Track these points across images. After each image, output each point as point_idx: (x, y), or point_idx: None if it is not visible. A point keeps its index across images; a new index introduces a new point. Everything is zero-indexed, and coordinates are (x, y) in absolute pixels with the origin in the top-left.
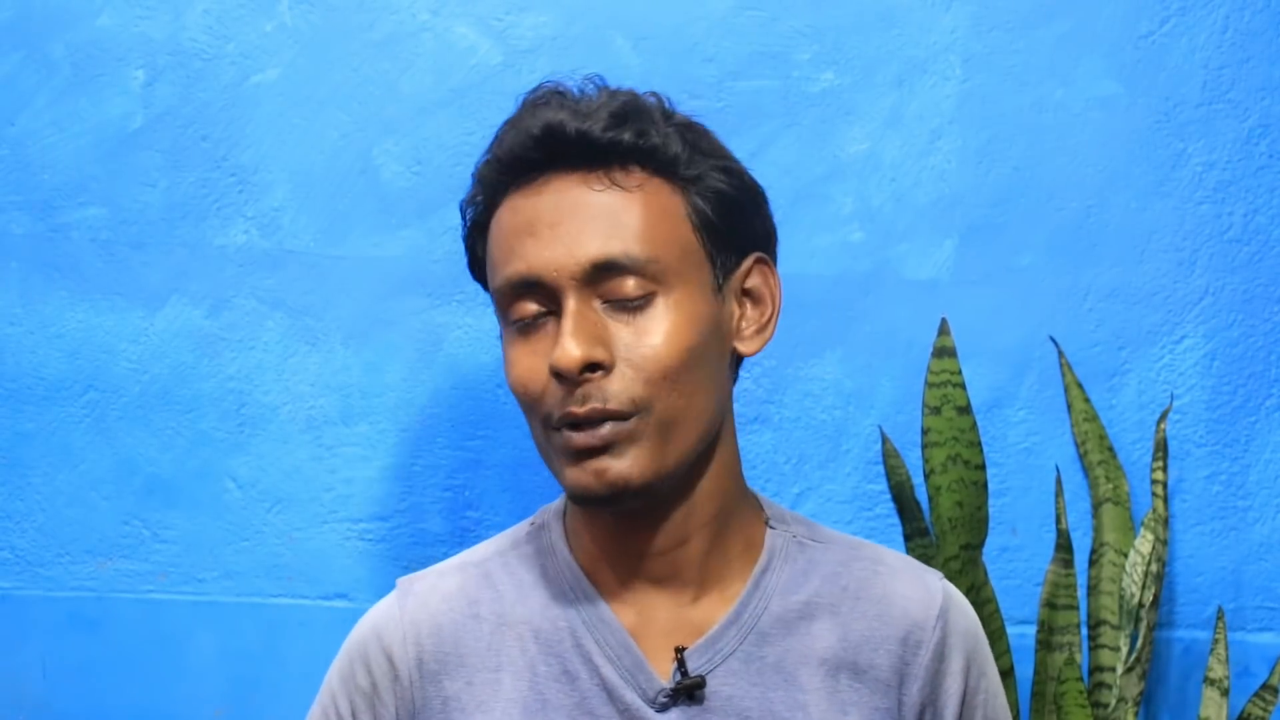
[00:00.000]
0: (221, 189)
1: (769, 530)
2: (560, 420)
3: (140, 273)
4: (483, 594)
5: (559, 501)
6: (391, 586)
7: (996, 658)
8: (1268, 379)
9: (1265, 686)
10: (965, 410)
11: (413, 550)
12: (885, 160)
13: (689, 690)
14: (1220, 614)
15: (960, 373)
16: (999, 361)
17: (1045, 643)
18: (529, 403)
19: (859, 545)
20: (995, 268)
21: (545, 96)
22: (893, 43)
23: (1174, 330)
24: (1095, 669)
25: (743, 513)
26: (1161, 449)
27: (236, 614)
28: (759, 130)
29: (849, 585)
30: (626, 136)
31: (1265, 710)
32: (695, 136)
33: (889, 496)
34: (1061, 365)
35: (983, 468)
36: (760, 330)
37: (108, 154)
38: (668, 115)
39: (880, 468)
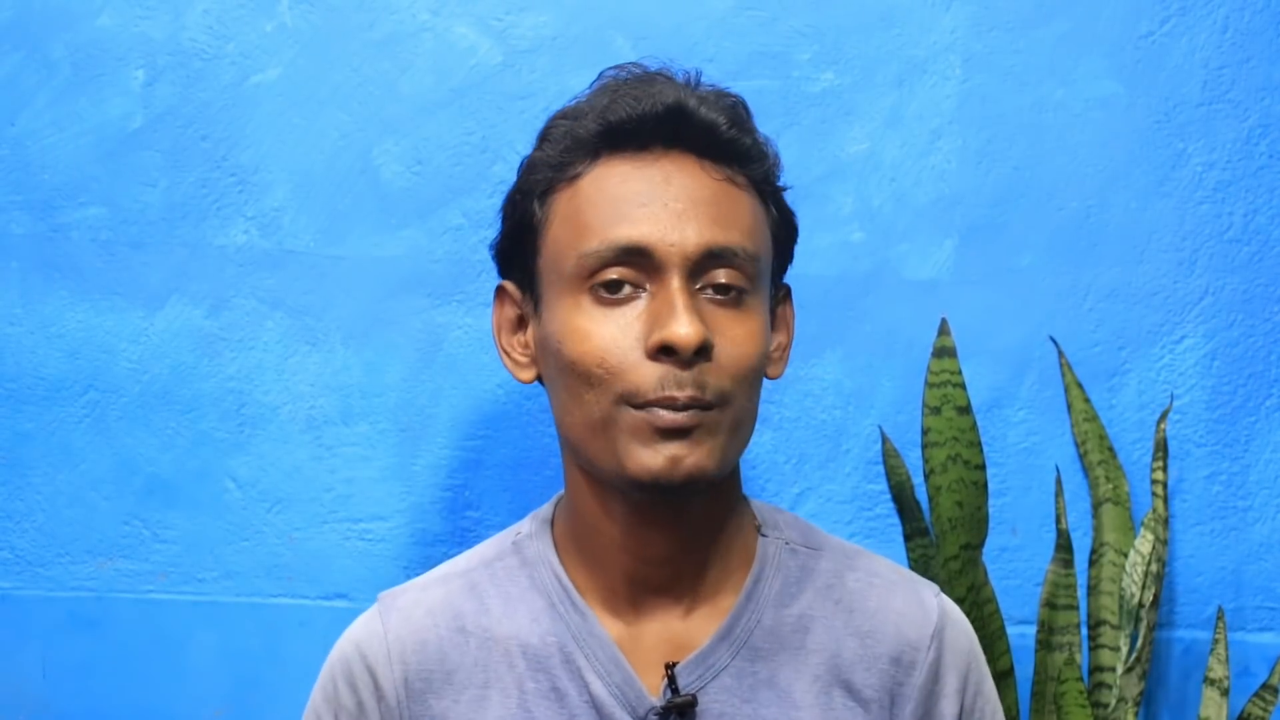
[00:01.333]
0: (221, 189)
1: (760, 538)
2: (652, 401)
3: (140, 273)
4: (467, 606)
5: (545, 509)
6: (393, 586)
7: (997, 658)
8: (1268, 379)
9: (1265, 686)
10: (965, 410)
11: (413, 550)
12: (885, 160)
13: (680, 709)
14: (1220, 614)
15: (960, 373)
16: (999, 361)
17: (1045, 643)
18: (602, 375)
19: (853, 554)
20: (995, 268)
21: (653, 75)
22: (893, 43)
23: (1174, 330)
24: (1095, 669)
25: (737, 520)
26: (1161, 449)
27: (236, 614)
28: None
29: (842, 599)
30: (747, 140)
31: (1265, 710)
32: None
33: (889, 496)
34: (1061, 365)
35: (983, 468)
36: (780, 357)
37: (108, 154)
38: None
39: (880, 468)
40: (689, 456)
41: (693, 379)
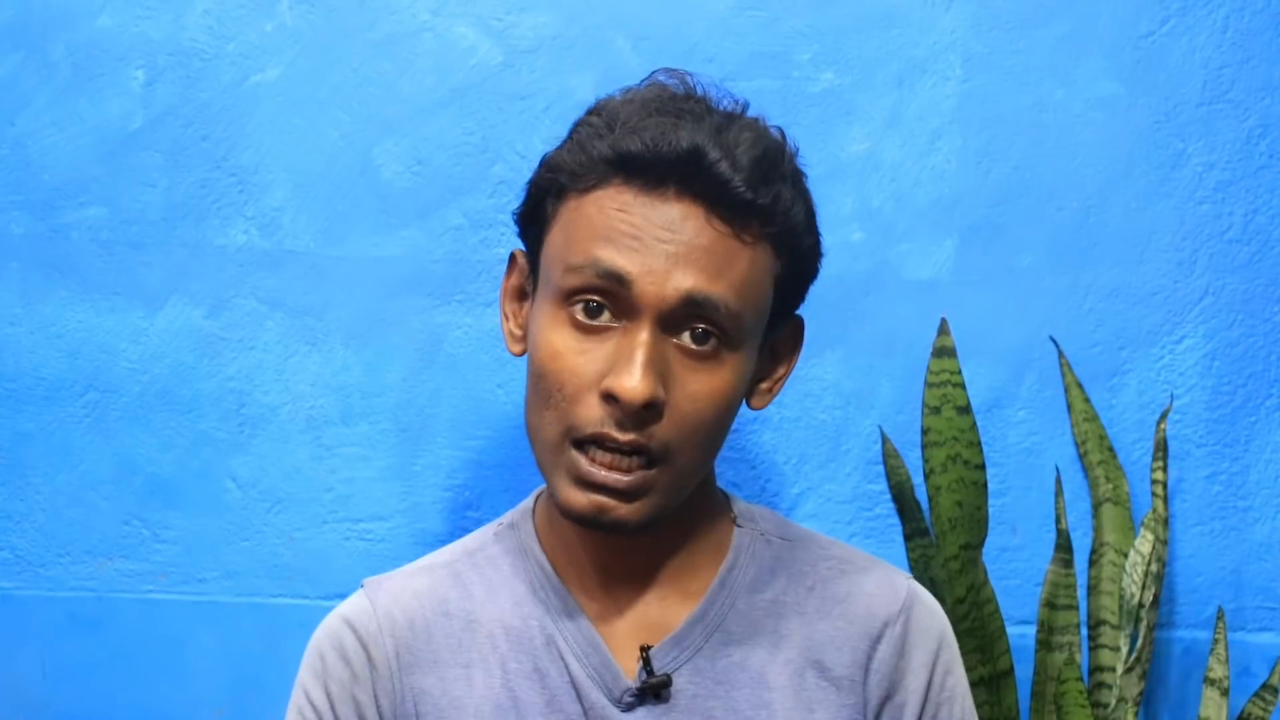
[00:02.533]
0: (221, 189)
1: (736, 529)
2: (589, 438)
3: (140, 273)
4: (451, 592)
5: (528, 500)
6: None
7: (997, 657)
8: (1268, 379)
9: (1265, 686)
10: (965, 410)
11: (413, 550)
12: (885, 160)
13: (655, 689)
14: (1220, 614)
15: (960, 373)
16: (999, 361)
17: (1045, 643)
18: (559, 401)
19: (829, 545)
20: (995, 268)
21: (687, 107)
22: (893, 43)
23: (1174, 330)
24: (1095, 669)
25: (711, 513)
26: (1161, 449)
27: (236, 614)
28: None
29: (815, 584)
30: (764, 200)
31: (1265, 710)
32: (809, 203)
33: (889, 496)
34: (1061, 365)
35: (983, 468)
36: (771, 389)
37: (108, 154)
38: (794, 172)
39: (880, 468)
40: (616, 510)
41: (635, 429)
